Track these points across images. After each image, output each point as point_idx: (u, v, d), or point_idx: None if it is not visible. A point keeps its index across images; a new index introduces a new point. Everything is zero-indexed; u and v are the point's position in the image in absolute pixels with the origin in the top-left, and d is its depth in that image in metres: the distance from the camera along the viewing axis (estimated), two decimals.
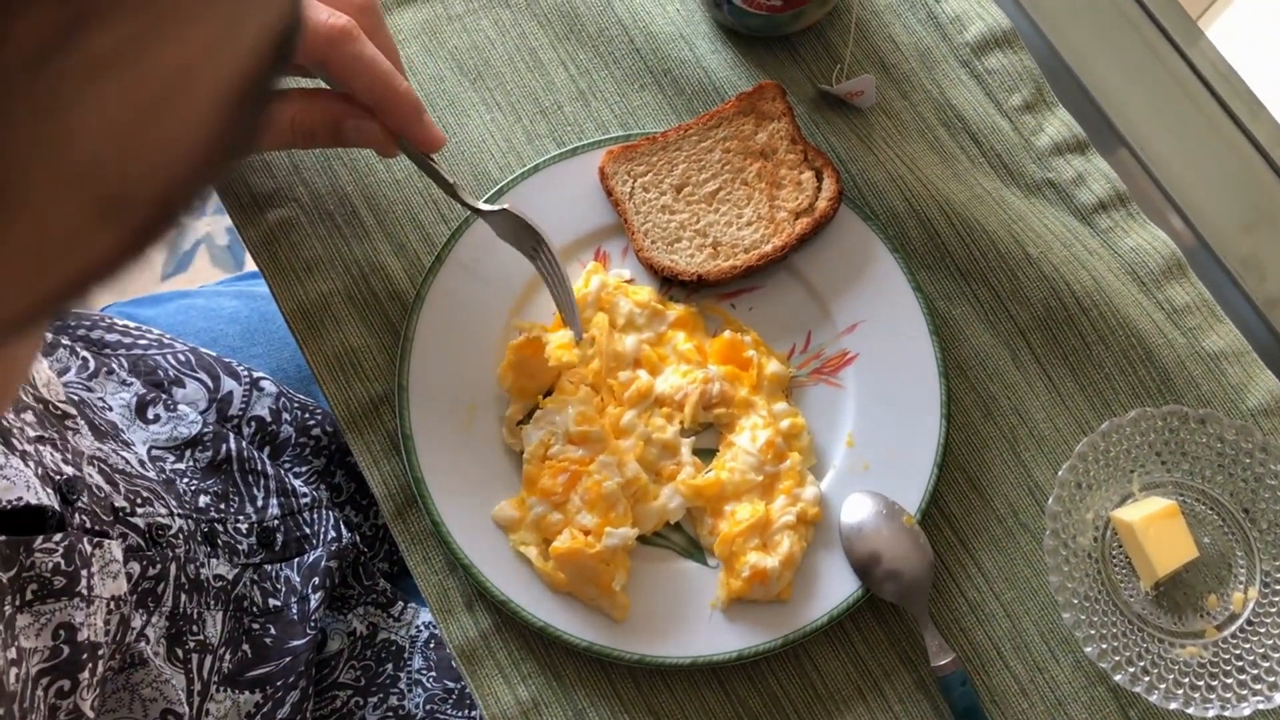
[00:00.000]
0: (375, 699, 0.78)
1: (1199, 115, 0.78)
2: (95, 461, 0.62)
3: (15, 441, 0.54)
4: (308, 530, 0.78)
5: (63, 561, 0.53)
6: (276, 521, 0.76)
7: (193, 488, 0.72)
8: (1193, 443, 0.67)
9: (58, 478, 0.56)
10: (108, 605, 0.56)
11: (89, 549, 0.55)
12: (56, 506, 0.54)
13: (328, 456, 0.86)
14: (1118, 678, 0.64)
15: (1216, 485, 0.68)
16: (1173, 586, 0.67)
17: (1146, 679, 0.64)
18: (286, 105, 0.61)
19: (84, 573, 0.54)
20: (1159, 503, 0.66)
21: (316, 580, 0.75)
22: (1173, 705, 0.64)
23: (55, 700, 0.52)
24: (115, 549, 0.57)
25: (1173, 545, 0.65)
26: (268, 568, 0.74)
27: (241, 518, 0.73)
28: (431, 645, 0.81)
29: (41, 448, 0.57)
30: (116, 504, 0.62)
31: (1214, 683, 0.65)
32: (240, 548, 0.72)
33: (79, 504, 0.57)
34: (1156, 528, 0.65)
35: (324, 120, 0.62)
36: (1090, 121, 0.76)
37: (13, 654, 0.49)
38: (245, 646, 0.70)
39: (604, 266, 0.71)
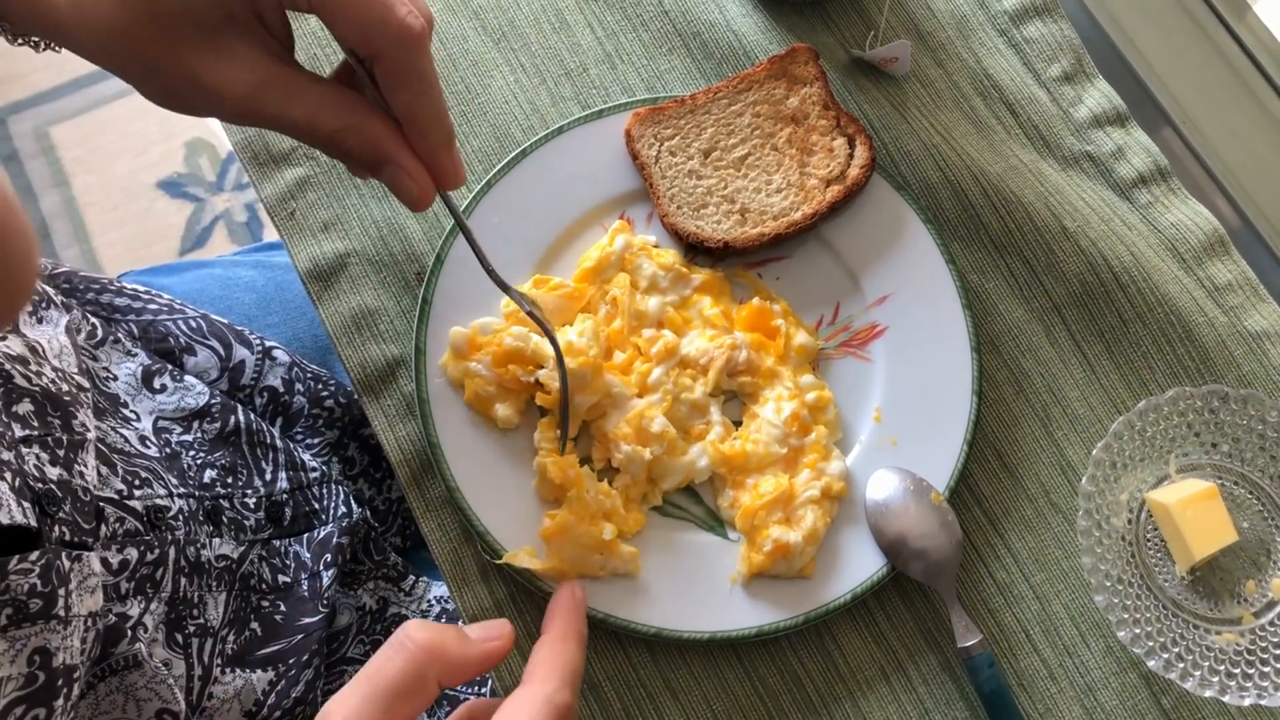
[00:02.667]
0: None
1: (1245, 91, 0.76)
2: (93, 446, 0.60)
3: None
4: (316, 505, 0.76)
5: (39, 582, 0.50)
6: (285, 495, 0.74)
7: (199, 461, 0.70)
8: (1233, 424, 0.65)
9: (38, 486, 0.53)
10: (85, 623, 0.53)
11: (67, 565, 0.52)
12: (33, 523, 0.51)
13: (341, 429, 0.84)
14: (1151, 664, 0.62)
15: (1257, 468, 0.66)
16: (1209, 571, 0.65)
17: (1181, 665, 0.62)
18: (332, 107, 0.52)
19: (61, 591, 0.51)
20: (1197, 485, 0.64)
21: (329, 557, 0.74)
22: (1208, 693, 0.61)
23: None
24: (94, 561, 0.55)
25: (1211, 529, 0.63)
26: (276, 543, 0.72)
27: (249, 491, 0.72)
28: (443, 620, 0.80)
29: (27, 450, 0.54)
30: (115, 487, 0.60)
31: (1250, 670, 0.63)
32: (248, 523, 0.70)
33: (60, 515, 0.54)
34: (1194, 510, 0.63)
35: (368, 151, 0.54)
36: (1132, 96, 0.74)
37: None
38: (254, 625, 0.68)
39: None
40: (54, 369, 0.60)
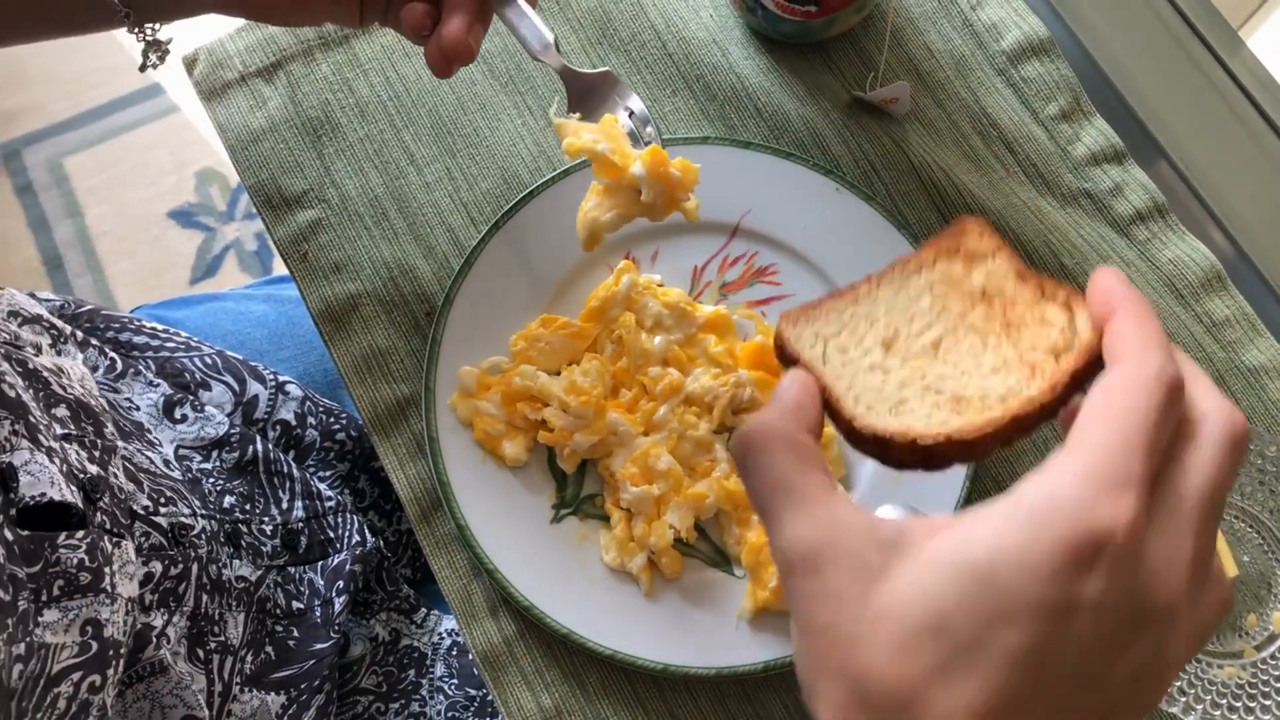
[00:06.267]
0: (397, 705, 0.78)
1: (1240, 126, 0.77)
2: (121, 460, 0.62)
3: (41, 438, 0.54)
4: (332, 534, 0.78)
5: (86, 558, 0.53)
6: (301, 524, 0.76)
7: (218, 488, 0.72)
8: None
9: (81, 476, 0.56)
10: (126, 605, 0.56)
11: (109, 547, 0.55)
12: (80, 504, 0.54)
13: (351, 461, 0.86)
14: None
15: (1256, 503, 0.66)
16: None
17: (1183, 699, 0.63)
18: None
19: (106, 570, 0.54)
20: None
21: (340, 584, 0.75)
22: None
23: (88, 695, 0.52)
24: (130, 549, 0.57)
25: None
26: (291, 570, 0.73)
27: (266, 519, 0.73)
28: (454, 653, 0.81)
29: (68, 445, 0.57)
30: (141, 503, 0.62)
31: (1252, 704, 0.63)
32: (264, 549, 0.72)
33: (101, 504, 0.56)
34: None
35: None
36: (1128, 132, 0.75)
37: (20, 650, 0.48)
38: (269, 648, 0.70)
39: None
40: (81, 388, 0.63)
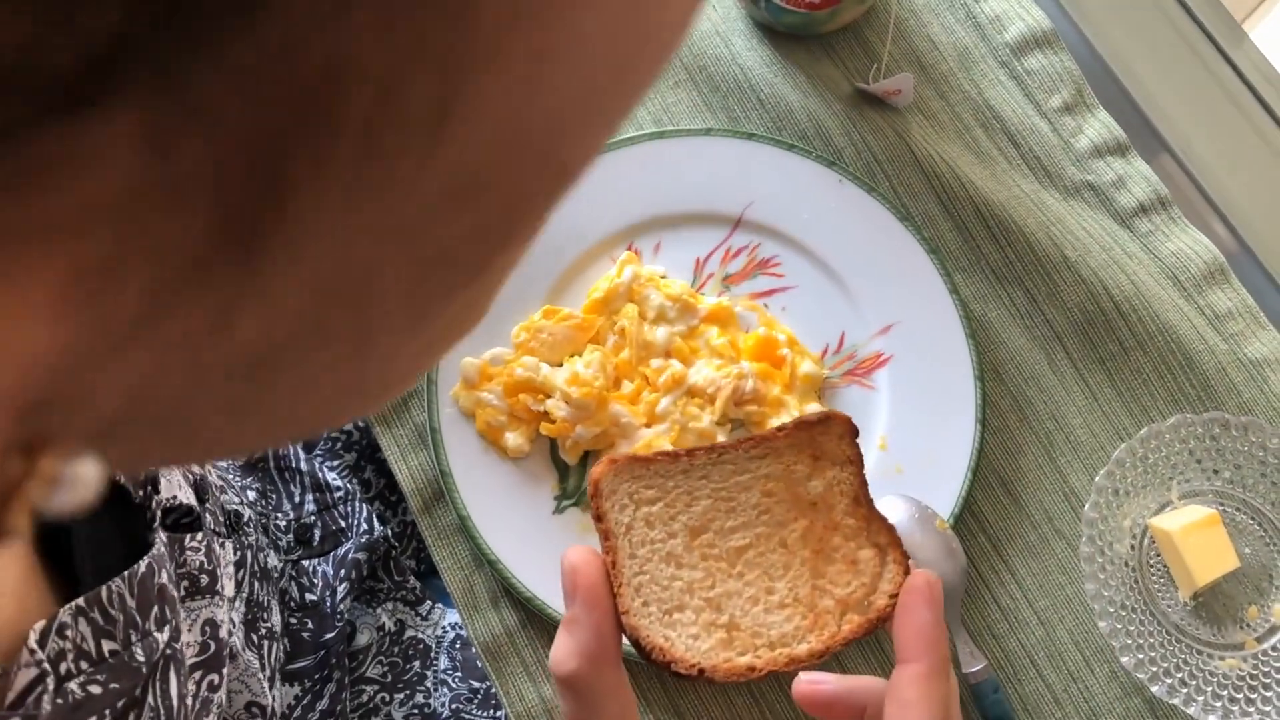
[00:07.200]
0: (402, 695, 0.78)
1: (1242, 119, 0.77)
2: None
3: None
4: (343, 524, 0.79)
5: (205, 560, 0.54)
6: (313, 518, 0.77)
7: (237, 484, 0.73)
8: (1234, 451, 0.66)
9: (193, 476, 0.57)
10: (229, 604, 0.57)
11: (218, 549, 0.56)
12: (197, 506, 0.55)
13: (358, 452, 0.86)
14: (1155, 689, 0.63)
15: (1258, 494, 0.66)
16: (1212, 597, 0.66)
17: (1185, 690, 0.63)
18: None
19: (218, 571, 0.55)
20: (1199, 511, 0.65)
21: (344, 571, 0.76)
22: (1212, 718, 0.62)
23: (207, 694, 0.53)
24: (231, 550, 0.59)
25: (1213, 555, 0.64)
26: (304, 563, 0.74)
27: (280, 515, 0.74)
28: (457, 646, 0.81)
29: None
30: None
31: (1253, 695, 0.63)
32: (280, 543, 0.73)
33: (208, 505, 0.58)
34: (1196, 537, 0.64)
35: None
36: (1131, 124, 0.75)
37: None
38: (285, 640, 0.71)
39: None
40: None
